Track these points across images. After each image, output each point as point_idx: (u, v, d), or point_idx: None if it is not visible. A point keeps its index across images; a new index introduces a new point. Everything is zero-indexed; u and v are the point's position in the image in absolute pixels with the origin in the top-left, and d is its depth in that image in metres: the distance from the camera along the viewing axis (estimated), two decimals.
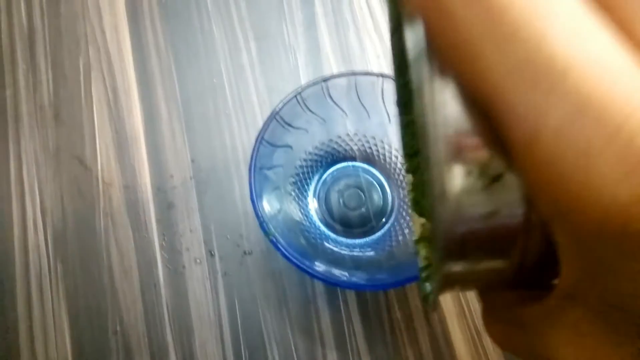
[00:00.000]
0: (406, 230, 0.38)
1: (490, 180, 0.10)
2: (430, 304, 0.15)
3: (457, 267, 0.12)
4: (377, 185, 0.41)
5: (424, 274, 0.17)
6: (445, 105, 0.10)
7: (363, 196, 0.40)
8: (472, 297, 0.37)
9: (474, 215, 0.10)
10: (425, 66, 0.10)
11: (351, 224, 0.40)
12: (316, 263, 0.33)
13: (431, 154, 0.10)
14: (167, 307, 0.37)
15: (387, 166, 0.40)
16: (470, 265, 0.12)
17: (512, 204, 0.10)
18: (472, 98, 0.10)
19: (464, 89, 0.10)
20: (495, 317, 0.14)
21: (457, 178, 0.10)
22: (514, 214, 0.10)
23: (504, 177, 0.10)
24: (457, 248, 0.11)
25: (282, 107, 0.35)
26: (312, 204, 0.40)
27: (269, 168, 0.36)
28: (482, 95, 0.09)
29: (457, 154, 0.10)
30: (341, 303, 0.37)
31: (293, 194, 0.38)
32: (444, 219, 0.10)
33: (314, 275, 0.31)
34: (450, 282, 0.13)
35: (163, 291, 0.37)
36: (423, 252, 0.18)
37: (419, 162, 0.18)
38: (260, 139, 0.34)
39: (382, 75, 0.35)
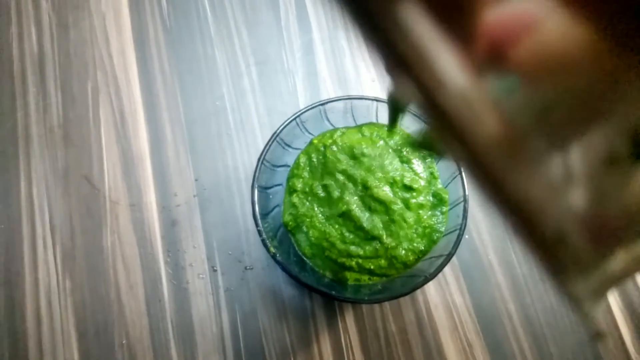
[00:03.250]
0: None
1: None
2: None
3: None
4: None
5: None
6: None
7: None
8: (464, 311, 0.39)
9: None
10: None
11: None
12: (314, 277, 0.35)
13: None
14: (172, 322, 0.38)
15: None
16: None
17: None
18: None
19: None
20: None
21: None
22: None
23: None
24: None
25: (282, 129, 0.37)
26: None
27: (270, 187, 0.38)
28: None
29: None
30: (338, 316, 0.38)
31: None
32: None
33: (313, 289, 0.33)
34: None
35: (167, 306, 0.38)
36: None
37: None
38: (261, 160, 0.36)
39: (377, 100, 0.37)
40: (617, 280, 0.11)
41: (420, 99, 0.09)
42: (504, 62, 0.08)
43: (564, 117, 0.08)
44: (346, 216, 0.35)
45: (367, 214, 0.35)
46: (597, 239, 0.09)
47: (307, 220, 0.36)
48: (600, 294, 0.11)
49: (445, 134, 0.09)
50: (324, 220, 0.36)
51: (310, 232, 0.36)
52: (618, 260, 0.10)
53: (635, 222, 0.09)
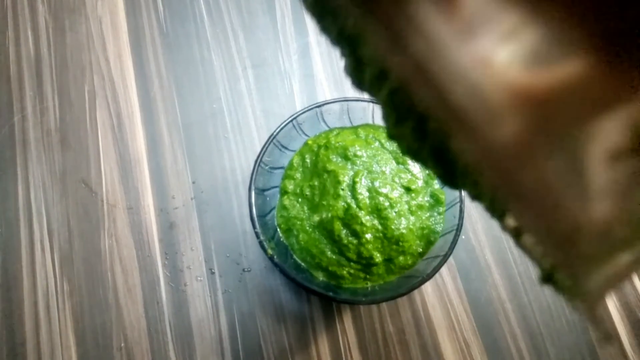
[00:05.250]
0: None
1: None
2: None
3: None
4: None
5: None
6: None
7: None
8: (461, 311, 0.39)
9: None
10: None
11: None
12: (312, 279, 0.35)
13: None
14: (170, 324, 0.38)
15: None
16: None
17: None
18: None
19: None
20: None
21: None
22: None
23: None
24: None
25: (279, 131, 0.37)
26: None
27: (267, 189, 0.38)
28: None
29: None
30: (336, 317, 0.38)
31: None
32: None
33: (310, 290, 0.33)
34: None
35: (166, 308, 0.38)
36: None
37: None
38: (258, 162, 0.36)
39: (373, 101, 0.37)
40: (623, 277, 0.11)
41: (432, 97, 0.09)
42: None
43: (572, 117, 0.09)
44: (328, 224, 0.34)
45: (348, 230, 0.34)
46: (606, 236, 0.09)
47: (298, 223, 0.35)
48: (604, 291, 0.11)
49: (456, 133, 0.09)
50: (314, 225, 0.35)
51: (300, 236, 0.35)
52: (625, 256, 0.10)
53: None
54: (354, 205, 0.34)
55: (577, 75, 0.09)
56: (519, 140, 0.09)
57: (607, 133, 0.08)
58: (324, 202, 0.35)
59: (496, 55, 0.09)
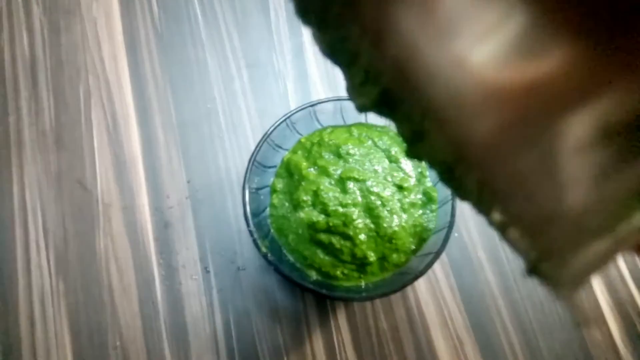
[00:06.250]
0: None
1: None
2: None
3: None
4: None
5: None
6: None
7: None
8: (454, 308, 0.39)
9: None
10: None
11: None
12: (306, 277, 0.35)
13: None
14: (165, 323, 0.38)
15: None
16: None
17: None
18: None
19: None
20: None
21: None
22: None
23: None
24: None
25: (273, 130, 0.37)
26: None
27: (261, 188, 0.38)
28: None
29: None
30: (330, 315, 0.39)
31: None
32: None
33: (304, 288, 0.33)
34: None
35: (161, 307, 0.39)
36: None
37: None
38: (252, 161, 0.36)
39: None
40: (602, 263, 0.11)
41: (414, 97, 0.09)
42: None
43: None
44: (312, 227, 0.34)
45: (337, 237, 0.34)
46: (581, 224, 0.10)
47: (287, 223, 0.36)
48: (583, 278, 0.12)
49: (436, 129, 0.09)
50: (299, 230, 0.35)
51: (290, 237, 0.35)
52: (601, 243, 0.10)
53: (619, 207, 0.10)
54: (325, 215, 0.34)
55: (553, 70, 0.09)
56: (495, 136, 0.09)
57: (577, 126, 0.09)
58: (303, 198, 0.35)
59: (473, 55, 0.09)
